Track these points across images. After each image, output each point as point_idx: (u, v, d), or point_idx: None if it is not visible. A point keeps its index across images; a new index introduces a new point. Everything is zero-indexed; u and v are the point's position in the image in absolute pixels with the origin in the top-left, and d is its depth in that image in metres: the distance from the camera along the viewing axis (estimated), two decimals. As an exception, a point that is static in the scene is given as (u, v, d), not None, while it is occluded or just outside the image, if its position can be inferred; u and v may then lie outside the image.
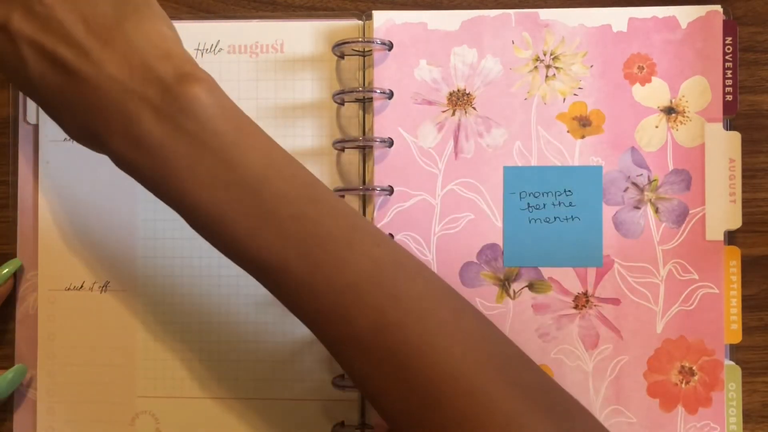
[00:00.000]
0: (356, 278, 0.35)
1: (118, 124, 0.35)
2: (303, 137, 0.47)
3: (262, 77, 0.47)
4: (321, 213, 0.36)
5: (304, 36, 0.47)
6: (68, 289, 0.47)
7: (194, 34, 0.48)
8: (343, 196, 0.47)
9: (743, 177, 0.46)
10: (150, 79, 0.35)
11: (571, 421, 0.35)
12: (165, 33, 0.37)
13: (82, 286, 0.47)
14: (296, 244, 0.35)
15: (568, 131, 0.46)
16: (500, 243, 0.46)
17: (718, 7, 0.46)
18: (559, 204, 0.46)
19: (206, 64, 0.47)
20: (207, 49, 0.48)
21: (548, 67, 0.46)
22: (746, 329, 0.46)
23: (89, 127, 0.36)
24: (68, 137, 0.38)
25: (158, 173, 0.35)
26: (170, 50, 0.36)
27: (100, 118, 0.36)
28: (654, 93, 0.46)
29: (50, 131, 0.48)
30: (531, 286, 0.46)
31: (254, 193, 0.35)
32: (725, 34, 0.46)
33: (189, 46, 0.47)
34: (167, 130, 0.35)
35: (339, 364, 0.37)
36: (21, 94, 0.48)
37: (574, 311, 0.46)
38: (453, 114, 0.46)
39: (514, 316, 0.46)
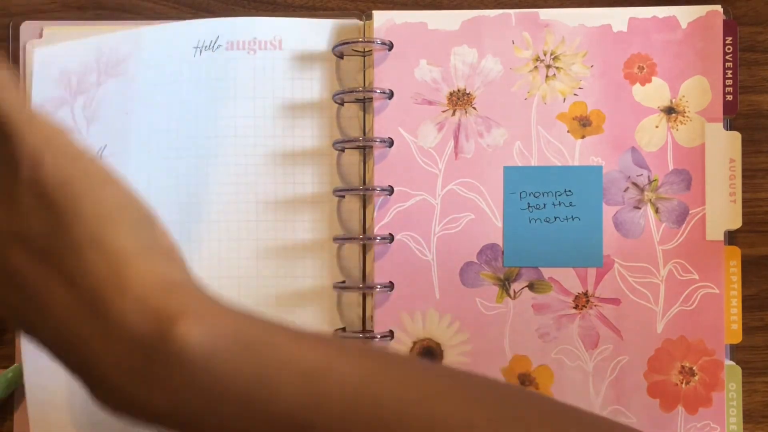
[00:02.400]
0: None
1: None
2: (303, 137, 0.47)
3: (260, 76, 0.47)
4: None
5: (303, 36, 0.47)
6: None
7: (192, 32, 0.47)
8: (343, 197, 0.47)
9: (743, 177, 0.46)
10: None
11: None
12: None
13: None
14: None
15: (568, 131, 0.46)
16: (500, 243, 0.46)
17: (718, 7, 0.46)
18: (560, 204, 0.46)
19: (205, 62, 0.47)
20: (206, 47, 0.47)
21: (548, 67, 0.46)
22: (746, 329, 0.46)
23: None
24: None
25: None
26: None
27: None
28: (654, 93, 0.46)
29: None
30: (531, 286, 0.46)
31: None
32: (725, 34, 0.46)
33: (187, 45, 0.47)
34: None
35: None
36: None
37: (574, 311, 0.46)
38: (453, 114, 0.46)
39: (514, 316, 0.46)
